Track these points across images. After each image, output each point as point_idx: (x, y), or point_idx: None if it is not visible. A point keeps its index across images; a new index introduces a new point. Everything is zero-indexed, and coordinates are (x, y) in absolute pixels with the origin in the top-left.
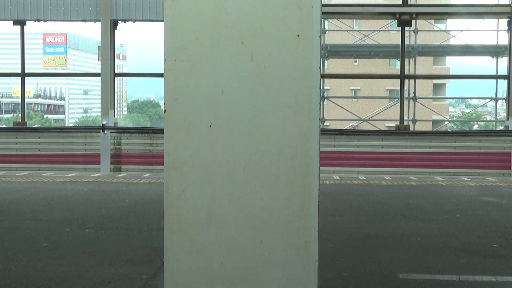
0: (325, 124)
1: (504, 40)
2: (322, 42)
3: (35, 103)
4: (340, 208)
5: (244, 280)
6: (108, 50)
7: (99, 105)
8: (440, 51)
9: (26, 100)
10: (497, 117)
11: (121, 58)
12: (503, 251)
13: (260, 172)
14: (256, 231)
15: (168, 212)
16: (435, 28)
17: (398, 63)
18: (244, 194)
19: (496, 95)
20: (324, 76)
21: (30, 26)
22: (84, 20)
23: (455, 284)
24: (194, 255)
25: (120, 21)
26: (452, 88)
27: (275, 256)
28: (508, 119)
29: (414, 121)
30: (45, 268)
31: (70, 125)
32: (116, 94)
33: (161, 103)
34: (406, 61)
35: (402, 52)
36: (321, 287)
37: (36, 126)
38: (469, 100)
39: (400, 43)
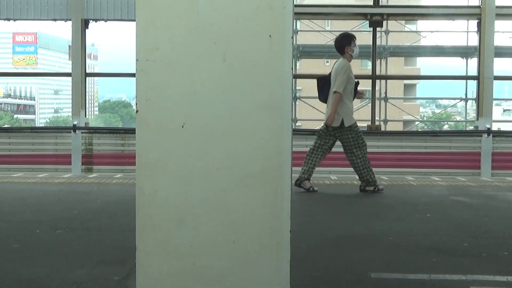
0: (297, 124)
1: (473, 41)
2: (294, 43)
3: (5, 103)
4: (312, 208)
5: (217, 280)
6: (79, 49)
7: (70, 105)
8: (411, 52)
9: None
10: (467, 118)
11: (92, 57)
12: (473, 250)
13: (233, 173)
14: (229, 231)
15: (140, 213)
16: (406, 29)
17: (370, 63)
18: (217, 195)
19: (466, 96)
20: (296, 76)
21: (0, 25)
22: (55, 20)
23: (425, 282)
24: (166, 256)
25: (91, 21)
26: (423, 88)
27: (248, 256)
28: (478, 120)
29: (386, 121)
30: (15, 270)
31: (40, 125)
32: (87, 94)
33: (133, 103)
34: (378, 62)
35: (373, 52)
36: (294, 287)
37: (6, 126)
38: (439, 100)
39: (371, 43)
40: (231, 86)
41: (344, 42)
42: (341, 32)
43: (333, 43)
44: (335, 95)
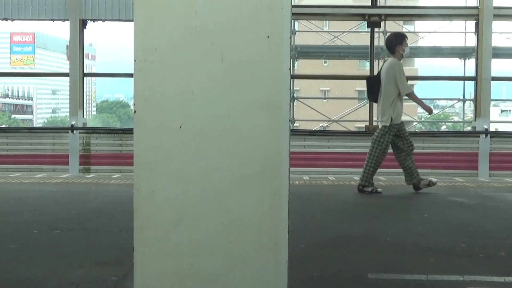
0: (295, 124)
1: (471, 42)
2: (292, 43)
3: (2, 103)
4: (310, 209)
5: (214, 281)
6: (77, 49)
7: (68, 105)
8: (409, 52)
9: None
10: (465, 118)
11: (90, 57)
12: (470, 250)
13: (231, 173)
14: (227, 232)
15: (138, 213)
16: (404, 30)
17: (368, 64)
18: (215, 195)
19: (463, 96)
20: (294, 77)
21: None
22: (53, 19)
23: (423, 283)
24: (164, 256)
25: (89, 21)
26: (420, 89)
27: (246, 257)
28: (475, 120)
29: None
30: (14, 271)
31: (38, 125)
32: (85, 94)
33: (131, 103)
34: (376, 62)
35: (371, 53)
36: (292, 287)
37: (3, 126)
38: (437, 101)
39: (369, 44)
40: (229, 86)
41: (396, 42)
42: (393, 32)
43: (330, 43)
44: (409, 96)
